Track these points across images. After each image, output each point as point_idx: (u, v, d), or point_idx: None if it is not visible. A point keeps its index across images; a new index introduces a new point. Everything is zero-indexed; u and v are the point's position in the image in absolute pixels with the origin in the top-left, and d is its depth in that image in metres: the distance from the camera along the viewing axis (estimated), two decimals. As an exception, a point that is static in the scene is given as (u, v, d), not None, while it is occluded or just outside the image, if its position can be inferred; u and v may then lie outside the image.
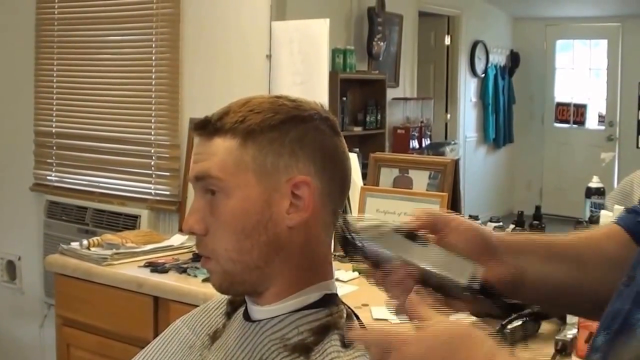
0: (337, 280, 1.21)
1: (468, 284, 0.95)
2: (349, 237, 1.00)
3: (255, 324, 1.11)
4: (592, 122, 7.60)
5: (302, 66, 3.10)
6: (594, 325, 1.04)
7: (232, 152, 1.08)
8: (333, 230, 1.13)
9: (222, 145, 1.08)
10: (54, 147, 3.87)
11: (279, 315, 1.10)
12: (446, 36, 6.75)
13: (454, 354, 0.80)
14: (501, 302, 0.96)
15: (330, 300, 1.13)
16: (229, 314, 1.20)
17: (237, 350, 1.11)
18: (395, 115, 5.71)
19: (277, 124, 1.09)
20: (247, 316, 1.14)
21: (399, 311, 0.93)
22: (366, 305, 2.22)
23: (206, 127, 1.10)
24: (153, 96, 3.50)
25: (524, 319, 1.96)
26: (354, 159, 3.01)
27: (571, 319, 1.93)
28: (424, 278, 0.95)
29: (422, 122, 6.07)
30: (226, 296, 1.22)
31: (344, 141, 1.16)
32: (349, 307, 1.17)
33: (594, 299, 1.01)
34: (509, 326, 1.94)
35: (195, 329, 1.22)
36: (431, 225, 1.00)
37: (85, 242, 2.88)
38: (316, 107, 1.14)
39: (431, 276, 0.95)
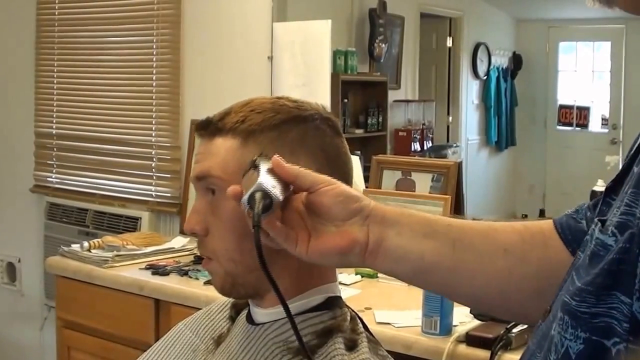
0: (340, 283, 1.19)
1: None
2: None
3: (258, 327, 1.11)
4: (595, 124, 7.58)
5: (303, 68, 3.09)
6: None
7: (233, 152, 1.07)
8: None
9: (223, 146, 1.08)
10: (55, 149, 3.87)
11: (283, 318, 1.09)
12: (448, 38, 6.73)
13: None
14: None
15: (333, 303, 1.12)
16: (232, 318, 1.20)
17: (241, 354, 1.10)
18: (396, 118, 5.69)
19: (277, 123, 1.08)
20: (250, 319, 1.13)
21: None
22: (369, 308, 2.21)
23: (207, 128, 1.11)
24: (154, 97, 3.49)
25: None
26: (355, 161, 2.99)
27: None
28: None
29: (423, 124, 6.05)
30: (229, 299, 1.21)
31: (345, 142, 1.16)
32: (353, 310, 1.16)
33: (475, 285, 0.97)
34: (514, 330, 1.93)
35: (198, 333, 1.21)
36: (291, 182, 0.95)
37: (86, 244, 2.88)
38: (317, 108, 1.14)
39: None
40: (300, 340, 0.95)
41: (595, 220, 0.79)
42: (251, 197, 0.90)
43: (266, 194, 0.89)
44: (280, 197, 0.90)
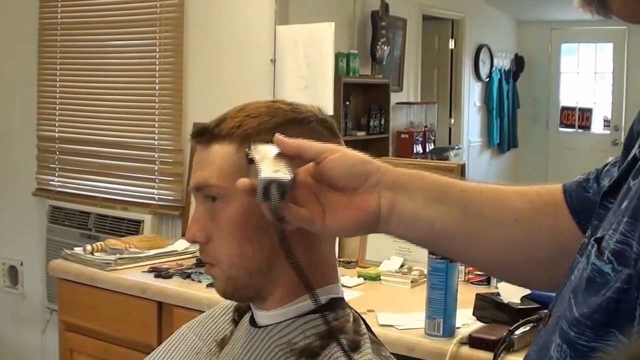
0: (343, 285, 1.20)
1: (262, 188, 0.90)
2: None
3: (261, 330, 1.11)
4: (597, 126, 7.57)
5: (306, 70, 3.09)
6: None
7: (230, 157, 1.08)
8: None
9: (220, 152, 1.08)
10: (57, 152, 3.87)
11: (285, 320, 1.09)
12: (450, 40, 6.73)
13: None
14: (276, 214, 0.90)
15: (336, 304, 1.12)
16: (235, 321, 1.20)
17: (244, 357, 1.10)
18: (399, 120, 5.68)
19: (273, 127, 1.08)
20: (253, 322, 1.14)
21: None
22: (372, 310, 2.21)
23: (204, 135, 1.11)
24: (157, 101, 3.49)
25: (532, 324, 1.95)
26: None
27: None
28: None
29: (426, 126, 6.05)
30: (232, 302, 1.21)
31: (343, 142, 1.16)
32: (356, 311, 1.16)
33: (484, 252, 0.97)
34: (517, 332, 1.93)
35: (201, 335, 1.22)
36: (296, 156, 0.95)
37: (88, 247, 2.88)
38: (313, 110, 1.14)
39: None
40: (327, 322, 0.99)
41: (592, 241, 0.78)
42: (264, 193, 0.90)
43: (278, 184, 0.90)
44: (289, 177, 0.91)
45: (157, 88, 3.49)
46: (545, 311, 0.88)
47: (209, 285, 2.51)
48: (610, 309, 0.71)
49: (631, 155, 0.84)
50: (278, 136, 0.95)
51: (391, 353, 1.15)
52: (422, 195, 0.94)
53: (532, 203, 0.97)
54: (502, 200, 0.97)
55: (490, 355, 1.91)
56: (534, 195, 0.98)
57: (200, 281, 2.61)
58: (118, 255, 2.83)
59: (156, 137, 3.50)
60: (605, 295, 0.72)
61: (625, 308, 0.70)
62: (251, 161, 0.95)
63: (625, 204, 0.77)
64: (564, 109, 7.70)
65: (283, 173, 0.91)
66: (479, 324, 2.07)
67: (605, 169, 0.96)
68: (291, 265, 0.91)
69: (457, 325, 2.06)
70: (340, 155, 0.95)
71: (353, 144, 1.21)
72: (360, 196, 0.93)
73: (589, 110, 7.58)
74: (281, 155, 0.94)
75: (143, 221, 3.47)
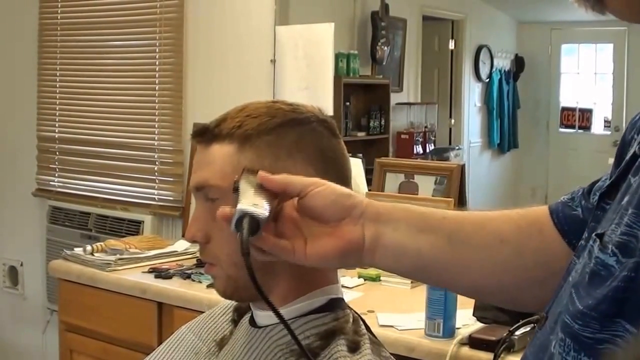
0: (343, 286, 1.20)
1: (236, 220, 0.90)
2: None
3: (261, 330, 1.10)
4: (597, 127, 7.57)
5: (306, 71, 3.09)
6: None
7: (230, 158, 1.08)
8: None
9: (220, 152, 1.08)
10: (57, 153, 3.87)
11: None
12: (450, 40, 6.73)
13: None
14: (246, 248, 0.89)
15: (336, 304, 1.12)
16: (235, 321, 1.20)
17: (244, 357, 1.10)
18: (399, 120, 5.69)
19: (274, 127, 1.08)
20: (253, 322, 1.13)
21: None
22: (372, 311, 2.21)
23: (204, 134, 1.11)
24: (157, 101, 3.49)
25: (532, 325, 1.94)
26: (358, 164, 2.99)
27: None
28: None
29: (426, 127, 6.05)
30: (232, 302, 1.21)
31: (342, 143, 1.16)
32: (355, 312, 1.16)
33: (473, 277, 0.97)
34: (517, 332, 1.92)
35: (201, 335, 1.22)
36: (282, 191, 0.95)
37: (89, 247, 2.87)
38: (313, 110, 1.14)
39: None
40: (300, 346, 0.96)
41: (593, 236, 0.78)
42: (237, 224, 0.90)
43: (251, 217, 0.90)
44: (266, 213, 0.91)
45: (157, 88, 3.49)
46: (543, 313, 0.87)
47: (209, 286, 2.50)
48: (616, 299, 0.71)
49: (630, 154, 0.84)
50: (262, 173, 0.95)
51: (391, 354, 1.15)
52: (405, 225, 0.95)
53: (516, 224, 0.97)
54: (485, 223, 0.98)
55: (491, 355, 1.91)
56: (517, 216, 0.98)
57: (200, 282, 2.61)
58: (118, 256, 2.82)
59: (156, 138, 3.50)
60: (611, 285, 0.72)
61: (632, 297, 0.70)
62: (236, 190, 0.95)
63: (627, 198, 0.77)
64: (564, 109, 7.70)
65: (261, 207, 0.91)
66: (479, 325, 2.07)
67: (596, 185, 0.96)
68: (261, 296, 0.92)
69: (457, 326, 2.06)
70: (325, 187, 0.95)
71: (353, 145, 1.22)
72: (343, 227, 0.94)
73: (590, 111, 7.58)
74: (265, 190, 0.94)
75: (143, 222, 3.47)
